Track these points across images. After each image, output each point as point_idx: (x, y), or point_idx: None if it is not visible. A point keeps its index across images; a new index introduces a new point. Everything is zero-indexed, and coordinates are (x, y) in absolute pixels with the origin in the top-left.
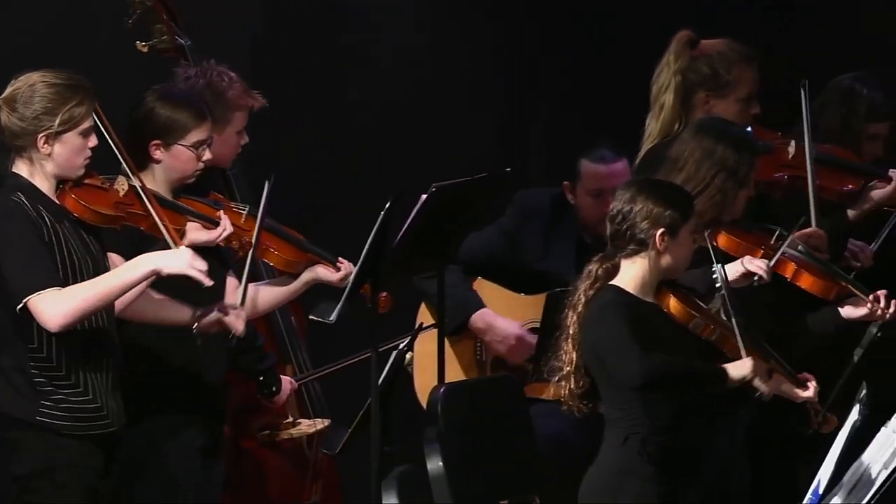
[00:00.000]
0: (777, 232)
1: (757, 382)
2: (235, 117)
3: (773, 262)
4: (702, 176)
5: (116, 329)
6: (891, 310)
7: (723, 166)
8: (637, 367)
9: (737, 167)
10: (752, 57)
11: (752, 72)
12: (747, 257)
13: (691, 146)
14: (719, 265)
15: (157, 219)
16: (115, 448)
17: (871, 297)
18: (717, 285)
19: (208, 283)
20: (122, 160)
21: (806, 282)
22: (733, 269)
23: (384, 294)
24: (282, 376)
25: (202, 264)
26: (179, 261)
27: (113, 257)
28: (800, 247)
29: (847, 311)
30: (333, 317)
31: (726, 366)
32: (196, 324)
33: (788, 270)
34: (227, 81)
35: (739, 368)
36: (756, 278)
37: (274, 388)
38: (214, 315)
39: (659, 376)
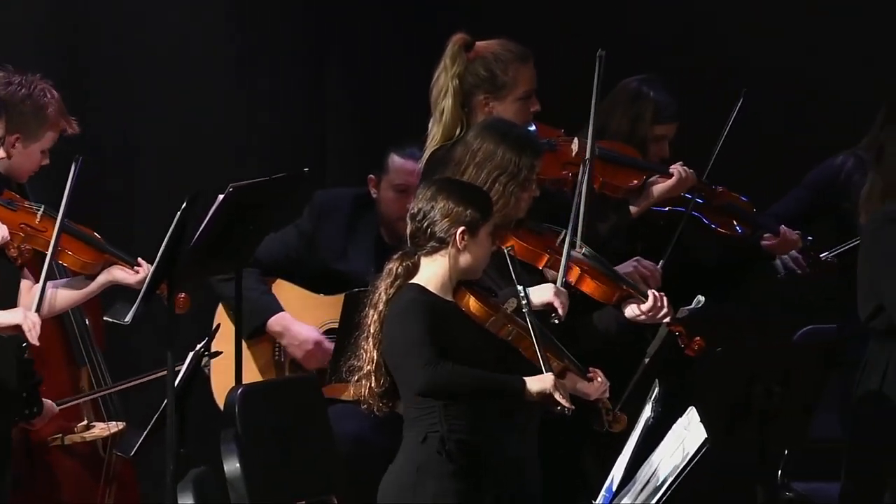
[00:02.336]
0: (563, 233)
1: (558, 397)
2: (46, 136)
3: (560, 282)
4: (483, 179)
5: None
6: (665, 310)
7: (504, 170)
8: (421, 375)
9: (518, 170)
10: (528, 55)
11: (529, 70)
12: (553, 289)
13: (473, 149)
14: (521, 287)
15: None
16: None
17: (649, 298)
18: (521, 295)
19: None
20: None
21: (588, 286)
22: (539, 296)
23: (182, 295)
24: (45, 400)
25: None
26: None
27: None
28: (584, 251)
29: (629, 312)
30: (128, 318)
31: (527, 379)
32: None
33: (572, 275)
34: (48, 98)
35: (539, 383)
36: (553, 315)
37: (35, 409)
38: None
39: (441, 387)
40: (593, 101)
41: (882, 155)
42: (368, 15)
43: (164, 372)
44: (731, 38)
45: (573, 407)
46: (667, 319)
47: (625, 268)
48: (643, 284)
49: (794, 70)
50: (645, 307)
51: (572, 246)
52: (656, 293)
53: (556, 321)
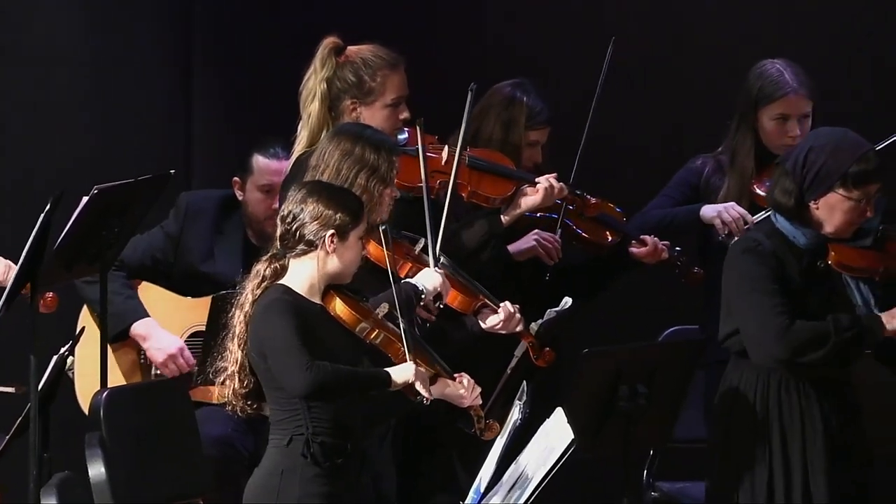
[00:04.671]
0: (421, 241)
1: (419, 386)
2: None
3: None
4: (344, 176)
5: None
6: (516, 322)
7: (364, 164)
8: (301, 378)
9: (377, 164)
10: (399, 62)
11: (399, 77)
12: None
13: (329, 150)
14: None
15: None
16: None
17: (501, 310)
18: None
19: None
20: None
21: (448, 296)
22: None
23: (50, 294)
24: None
25: None
26: None
27: None
28: (442, 260)
29: (485, 323)
30: None
31: (389, 370)
32: None
33: None
34: None
35: (402, 373)
36: (437, 303)
37: None
38: None
39: (323, 386)
40: (462, 130)
41: (735, 160)
42: (235, 14)
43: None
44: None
45: (432, 396)
46: (519, 328)
47: (526, 241)
48: (546, 257)
49: (661, 70)
50: (497, 318)
51: (435, 255)
52: (509, 306)
53: (440, 305)
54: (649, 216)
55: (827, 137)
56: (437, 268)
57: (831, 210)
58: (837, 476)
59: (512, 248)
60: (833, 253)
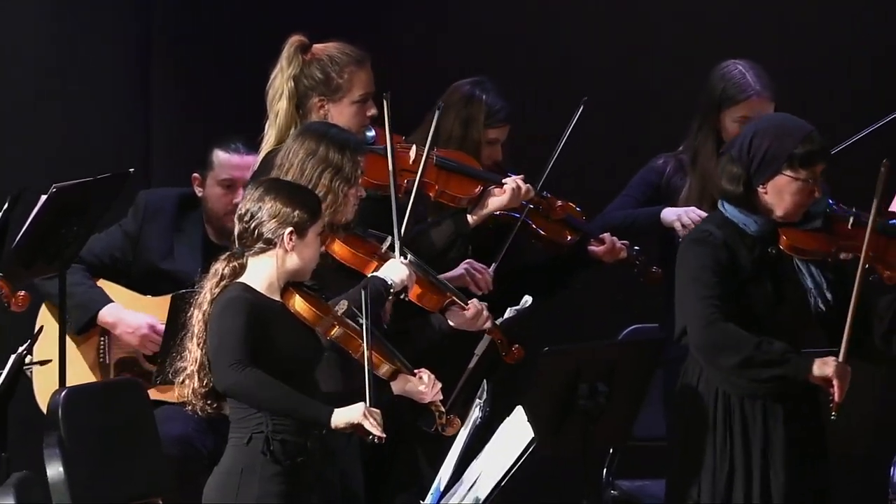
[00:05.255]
0: (388, 240)
1: (369, 426)
2: None
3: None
4: (308, 175)
5: None
6: (485, 319)
7: (328, 164)
8: (226, 374)
9: (342, 164)
10: (365, 58)
11: (366, 73)
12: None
13: (294, 149)
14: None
15: None
16: None
17: (469, 307)
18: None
19: None
20: None
21: (414, 294)
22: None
23: (22, 293)
24: None
25: None
26: None
27: None
28: (409, 257)
29: (453, 320)
30: None
31: (337, 410)
32: None
33: None
34: None
35: (348, 414)
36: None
37: None
38: None
39: (242, 391)
40: (432, 130)
41: (697, 160)
42: (195, 12)
43: None
44: (561, 41)
45: (384, 436)
46: (487, 325)
47: (457, 270)
48: (475, 287)
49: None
50: (466, 316)
51: (401, 253)
52: (477, 303)
53: (404, 297)
54: (610, 217)
55: (769, 122)
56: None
57: (780, 193)
58: (797, 473)
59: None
60: (784, 237)
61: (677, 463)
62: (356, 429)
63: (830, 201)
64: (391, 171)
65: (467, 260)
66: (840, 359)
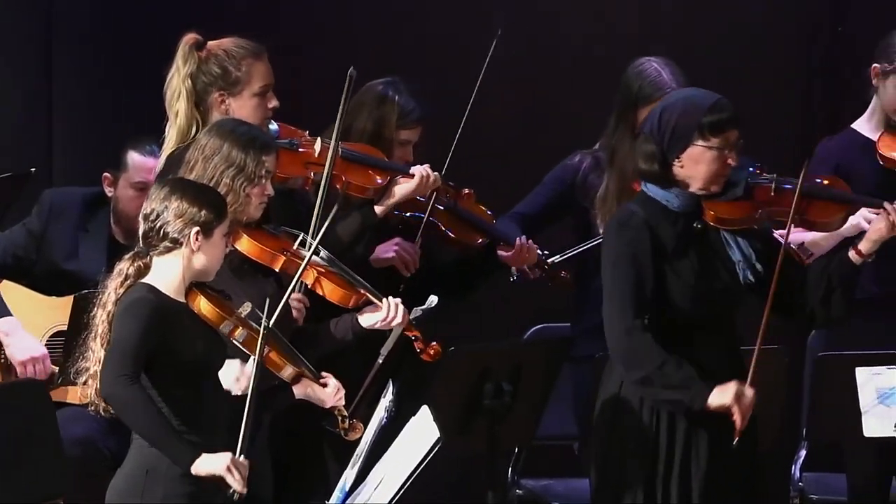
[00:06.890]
0: (301, 237)
1: (230, 480)
2: None
3: (299, 273)
4: (210, 174)
5: None
6: (400, 317)
7: (230, 163)
8: (109, 382)
9: (244, 164)
10: (262, 51)
11: (264, 65)
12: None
13: (201, 146)
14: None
15: None
16: None
17: (383, 306)
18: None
19: None
20: None
21: (326, 290)
22: None
23: None
24: None
25: None
26: None
27: None
28: (322, 254)
29: (365, 320)
30: None
31: (202, 457)
32: None
33: (309, 278)
34: None
35: (210, 463)
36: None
37: None
38: None
39: (116, 405)
40: (339, 119)
41: (614, 158)
42: (96, 9)
43: None
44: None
45: (244, 493)
46: (403, 323)
47: (386, 251)
48: (404, 268)
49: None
50: (380, 315)
51: (312, 251)
52: (391, 301)
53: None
54: (517, 217)
55: (676, 96)
56: (311, 260)
57: (695, 164)
58: (720, 475)
59: (373, 254)
60: (709, 211)
61: (603, 461)
62: (217, 480)
63: (751, 168)
64: (330, 157)
65: (396, 239)
66: (748, 382)
